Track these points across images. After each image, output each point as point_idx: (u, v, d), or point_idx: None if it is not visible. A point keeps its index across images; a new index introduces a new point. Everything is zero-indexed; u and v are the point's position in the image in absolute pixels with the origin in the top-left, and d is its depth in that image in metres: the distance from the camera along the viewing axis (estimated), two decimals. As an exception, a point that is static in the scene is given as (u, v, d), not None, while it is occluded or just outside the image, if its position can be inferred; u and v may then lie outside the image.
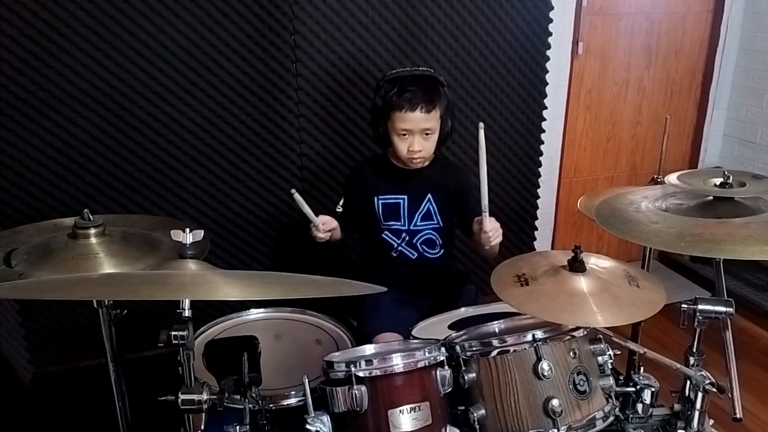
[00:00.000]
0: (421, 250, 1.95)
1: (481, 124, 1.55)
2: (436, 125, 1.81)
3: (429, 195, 1.91)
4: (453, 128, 1.89)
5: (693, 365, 1.40)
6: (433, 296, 1.94)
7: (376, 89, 1.85)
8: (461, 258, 2.63)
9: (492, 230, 1.70)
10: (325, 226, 1.81)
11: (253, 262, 2.63)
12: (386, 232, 1.94)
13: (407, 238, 1.94)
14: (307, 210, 1.76)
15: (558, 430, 1.29)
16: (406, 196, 1.91)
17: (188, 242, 1.19)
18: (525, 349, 1.34)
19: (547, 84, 2.82)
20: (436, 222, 1.94)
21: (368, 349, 1.53)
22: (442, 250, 1.97)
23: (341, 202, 2.00)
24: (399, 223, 1.93)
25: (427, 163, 1.90)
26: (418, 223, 1.93)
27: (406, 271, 1.94)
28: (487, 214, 1.67)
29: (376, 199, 1.92)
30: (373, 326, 1.77)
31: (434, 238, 1.95)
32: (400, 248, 1.95)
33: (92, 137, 2.30)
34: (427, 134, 1.80)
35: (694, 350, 1.41)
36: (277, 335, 1.74)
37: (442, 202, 1.93)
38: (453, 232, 2.02)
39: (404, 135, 1.79)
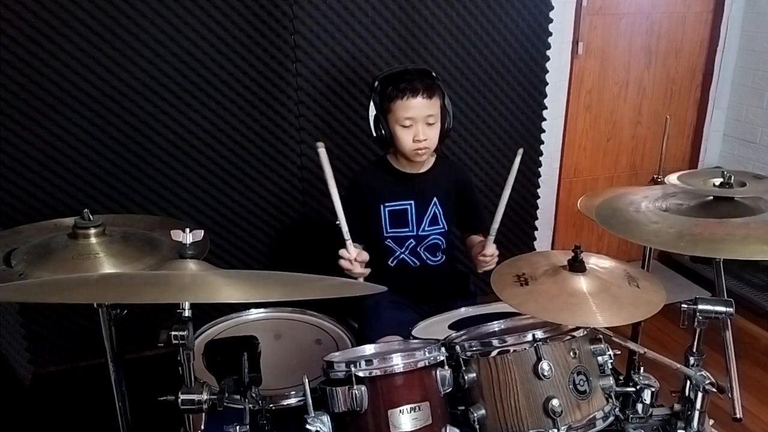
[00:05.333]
0: (424, 258, 1.93)
1: (521, 150, 1.61)
2: (437, 113, 1.79)
3: (435, 198, 1.89)
4: (451, 125, 1.86)
5: (693, 365, 1.40)
6: (434, 300, 1.91)
7: (371, 89, 1.83)
8: (461, 258, 2.63)
9: (491, 256, 1.77)
10: (360, 256, 1.72)
11: (253, 262, 2.63)
12: (389, 240, 1.92)
13: (413, 244, 1.91)
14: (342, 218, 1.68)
15: (558, 430, 1.29)
16: (412, 201, 1.89)
17: (188, 242, 1.19)
18: (525, 349, 1.34)
19: (547, 84, 2.82)
20: (441, 226, 1.92)
21: (368, 349, 1.52)
22: (444, 257, 1.95)
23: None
24: (407, 230, 1.90)
25: (432, 161, 1.89)
26: (426, 228, 1.90)
27: (407, 278, 1.92)
28: (492, 238, 1.75)
29: (382, 207, 1.89)
30: (373, 331, 1.75)
31: (440, 242, 1.93)
32: (402, 256, 1.92)
33: (92, 137, 2.31)
34: (430, 123, 1.78)
35: (694, 350, 1.41)
36: (277, 335, 1.74)
37: (446, 204, 1.91)
38: (454, 234, 2.02)
39: (408, 125, 1.76)
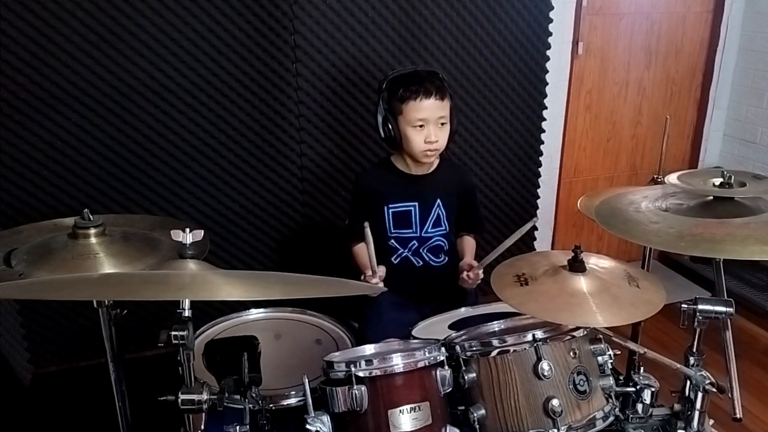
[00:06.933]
0: (427, 258, 1.93)
1: (535, 219, 1.68)
2: (448, 115, 1.81)
3: (438, 200, 1.90)
4: (457, 127, 1.87)
5: (693, 365, 1.40)
6: (434, 300, 1.91)
7: (379, 90, 1.83)
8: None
9: (475, 279, 1.81)
10: (381, 271, 1.79)
11: (253, 262, 2.63)
12: (392, 240, 1.92)
13: (416, 245, 1.91)
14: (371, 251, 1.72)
15: (558, 430, 1.29)
16: (416, 203, 1.89)
17: (188, 242, 1.19)
18: (525, 349, 1.34)
19: (547, 84, 2.82)
20: (444, 228, 1.93)
21: (368, 349, 1.52)
22: (447, 258, 1.95)
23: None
24: (410, 231, 1.90)
25: (436, 162, 1.90)
26: (429, 230, 1.91)
27: (409, 277, 1.92)
28: (481, 269, 1.80)
29: (386, 208, 1.89)
30: (374, 332, 1.75)
31: (442, 244, 1.94)
32: (405, 254, 1.93)
33: (92, 137, 2.31)
34: (442, 123, 1.79)
35: (694, 350, 1.41)
36: (277, 335, 1.74)
37: (449, 206, 1.92)
38: (455, 236, 2.02)
39: (420, 126, 1.77)
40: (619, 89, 3.16)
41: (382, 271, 1.79)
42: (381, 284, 1.75)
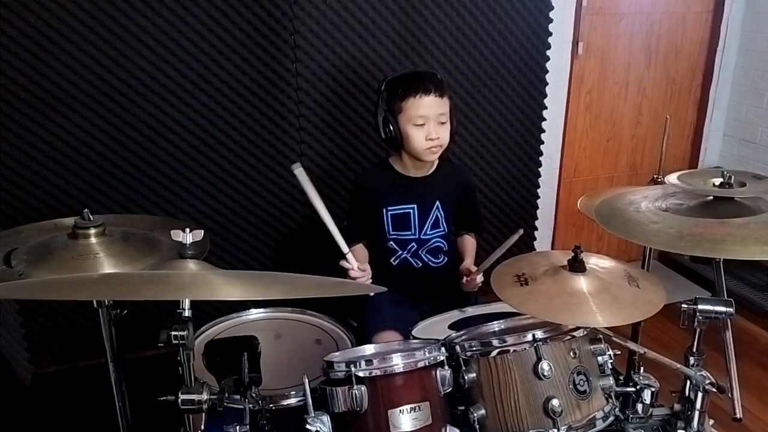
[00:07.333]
0: (426, 260, 1.93)
1: (521, 231, 1.66)
2: (447, 113, 1.81)
3: (437, 202, 1.90)
4: (457, 127, 1.87)
5: (693, 365, 1.40)
6: (434, 300, 1.92)
7: (378, 91, 1.83)
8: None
9: (476, 283, 1.83)
10: (366, 273, 1.78)
11: (253, 262, 2.63)
12: (392, 242, 1.92)
13: (415, 247, 1.91)
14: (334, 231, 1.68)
15: (558, 430, 1.29)
16: (415, 205, 1.89)
17: (188, 242, 1.19)
18: (525, 349, 1.34)
19: (547, 84, 2.82)
20: (443, 229, 1.93)
21: (368, 349, 1.52)
22: (446, 258, 1.96)
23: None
24: (409, 233, 1.90)
25: (435, 164, 1.90)
26: (428, 232, 1.91)
27: (409, 278, 1.92)
28: (481, 272, 1.81)
29: (384, 210, 1.89)
30: (373, 324, 1.76)
31: (442, 245, 1.94)
32: (404, 255, 1.93)
33: (92, 137, 2.31)
34: (442, 122, 1.79)
35: (694, 350, 1.41)
36: (277, 335, 1.74)
37: (448, 207, 1.92)
38: (455, 235, 2.02)
39: (420, 123, 1.77)
40: (619, 89, 3.16)
41: (364, 265, 1.79)
42: (367, 276, 1.76)
